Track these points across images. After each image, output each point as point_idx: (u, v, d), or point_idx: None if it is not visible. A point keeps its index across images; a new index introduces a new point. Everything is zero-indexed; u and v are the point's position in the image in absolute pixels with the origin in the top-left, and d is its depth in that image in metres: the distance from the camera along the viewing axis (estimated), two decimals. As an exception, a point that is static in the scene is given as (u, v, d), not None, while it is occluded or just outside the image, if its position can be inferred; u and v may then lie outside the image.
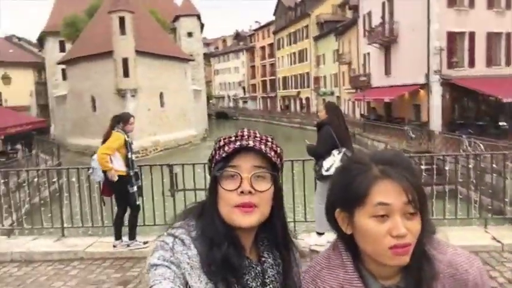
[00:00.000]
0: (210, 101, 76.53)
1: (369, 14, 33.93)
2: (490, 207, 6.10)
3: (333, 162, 4.78)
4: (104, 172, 5.23)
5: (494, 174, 7.40)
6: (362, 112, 37.05)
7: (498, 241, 4.98)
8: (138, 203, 5.38)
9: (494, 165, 7.23)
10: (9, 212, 7.44)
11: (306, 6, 55.94)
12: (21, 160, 17.36)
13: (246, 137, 1.05)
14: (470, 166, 6.15)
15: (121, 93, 31.20)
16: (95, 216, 6.06)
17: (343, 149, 4.82)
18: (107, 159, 5.18)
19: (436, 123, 24.93)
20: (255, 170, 1.02)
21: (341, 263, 1.03)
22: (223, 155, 1.04)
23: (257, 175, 1.02)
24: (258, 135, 1.07)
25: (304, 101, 58.94)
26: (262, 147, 1.04)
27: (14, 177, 7.89)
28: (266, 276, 1.05)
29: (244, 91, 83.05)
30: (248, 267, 1.04)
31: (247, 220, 1.01)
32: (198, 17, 48.81)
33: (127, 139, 5.33)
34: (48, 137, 37.26)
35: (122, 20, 30.23)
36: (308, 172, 5.64)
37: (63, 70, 40.69)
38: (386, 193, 0.93)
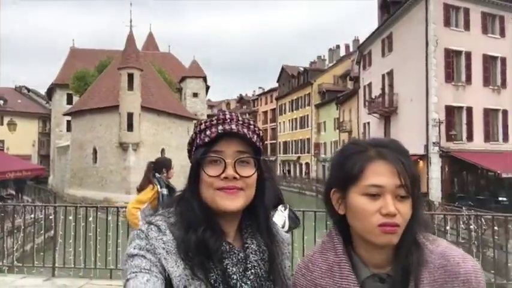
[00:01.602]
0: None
1: (369, 85, 35.07)
2: (492, 280, 5.93)
3: (284, 218, 4.24)
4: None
5: (496, 250, 7.27)
6: (361, 180, 37.05)
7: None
8: None
9: (495, 237, 7.13)
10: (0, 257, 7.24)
11: (309, 76, 57.87)
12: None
13: (229, 120, 1.02)
14: (472, 228, 6.07)
15: (123, 147, 31.43)
16: (88, 258, 5.90)
17: (288, 205, 4.30)
18: (137, 215, 4.50)
19: (435, 195, 24.84)
20: (239, 155, 1.01)
21: (332, 247, 1.04)
22: (206, 140, 1.01)
23: (241, 160, 1.01)
24: (240, 118, 1.04)
25: (304, 166, 59.18)
26: (245, 131, 1.02)
27: (7, 223, 7.81)
28: (248, 262, 1.01)
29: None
30: (229, 252, 1.00)
31: (233, 204, 1.00)
32: (204, 79, 50.38)
33: (160, 190, 4.61)
34: (46, 187, 37.06)
35: (130, 77, 31.17)
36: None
37: (68, 122, 41.33)
38: (380, 174, 0.95)
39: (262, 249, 1.06)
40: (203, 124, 1.04)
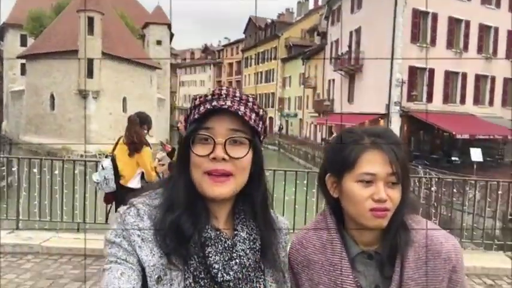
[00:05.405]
0: (172, 114, 75.75)
1: (337, 41, 35.02)
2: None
3: None
4: (118, 185, 4.39)
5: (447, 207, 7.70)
6: (324, 136, 37.85)
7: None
8: None
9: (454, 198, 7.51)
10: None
11: (276, 28, 56.97)
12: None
13: (224, 96, 0.94)
14: (432, 190, 6.39)
15: (82, 94, 30.34)
16: (54, 211, 5.78)
17: None
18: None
19: (392, 152, 25.70)
20: (230, 134, 0.92)
21: (325, 226, 1.12)
22: (196, 116, 0.93)
23: (233, 140, 0.92)
24: (237, 94, 0.96)
25: (267, 121, 59.35)
26: (241, 108, 0.93)
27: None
28: (234, 251, 0.94)
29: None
30: (214, 239, 0.93)
31: (218, 191, 0.92)
32: (169, 26, 48.59)
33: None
34: (0, 132, 35.60)
35: (90, 20, 29.64)
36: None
37: (23, 65, 39.18)
38: (374, 162, 1.02)
39: (254, 237, 0.98)
40: (197, 99, 0.96)
